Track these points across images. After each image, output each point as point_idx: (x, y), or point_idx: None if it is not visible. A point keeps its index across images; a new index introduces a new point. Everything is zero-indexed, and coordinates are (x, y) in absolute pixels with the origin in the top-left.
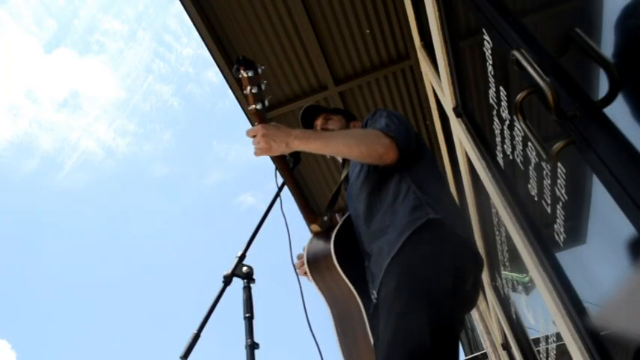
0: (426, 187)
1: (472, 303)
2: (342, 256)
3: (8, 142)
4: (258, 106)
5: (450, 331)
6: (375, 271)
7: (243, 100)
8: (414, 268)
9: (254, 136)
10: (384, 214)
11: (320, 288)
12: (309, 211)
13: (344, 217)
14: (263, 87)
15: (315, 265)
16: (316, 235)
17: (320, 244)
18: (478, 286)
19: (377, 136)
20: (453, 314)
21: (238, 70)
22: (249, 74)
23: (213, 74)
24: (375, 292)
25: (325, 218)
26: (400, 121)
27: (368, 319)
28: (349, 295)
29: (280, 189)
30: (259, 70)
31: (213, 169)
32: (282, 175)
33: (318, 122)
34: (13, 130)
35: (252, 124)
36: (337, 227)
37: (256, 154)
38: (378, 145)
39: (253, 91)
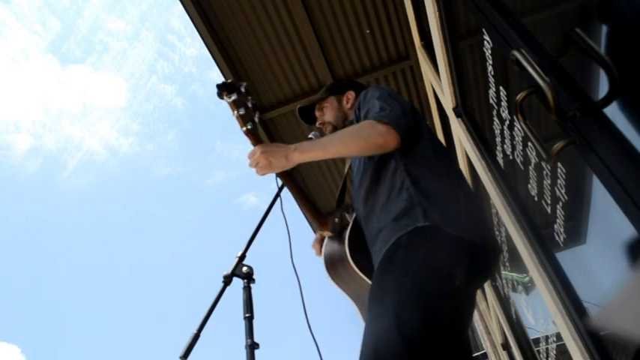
0: (421, 179)
1: (471, 301)
2: (358, 255)
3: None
4: (249, 126)
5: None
6: None
7: None
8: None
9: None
10: (380, 214)
11: (342, 289)
12: (319, 216)
13: (354, 216)
14: (250, 104)
15: (333, 268)
16: (330, 238)
17: (335, 247)
18: (475, 283)
19: (372, 127)
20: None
21: (221, 96)
22: (233, 98)
23: (216, 74)
24: None
25: (336, 220)
26: (392, 97)
27: None
28: None
29: (280, 189)
30: (242, 89)
31: (216, 169)
32: (288, 188)
33: (317, 114)
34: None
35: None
36: (349, 228)
37: (258, 173)
38: (375, 137)
39: (240, 112)
